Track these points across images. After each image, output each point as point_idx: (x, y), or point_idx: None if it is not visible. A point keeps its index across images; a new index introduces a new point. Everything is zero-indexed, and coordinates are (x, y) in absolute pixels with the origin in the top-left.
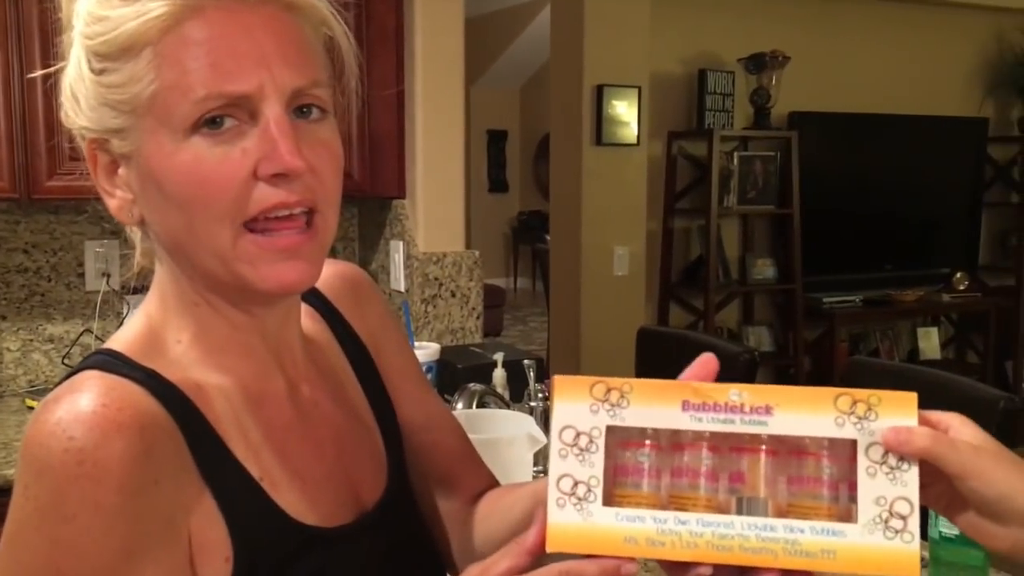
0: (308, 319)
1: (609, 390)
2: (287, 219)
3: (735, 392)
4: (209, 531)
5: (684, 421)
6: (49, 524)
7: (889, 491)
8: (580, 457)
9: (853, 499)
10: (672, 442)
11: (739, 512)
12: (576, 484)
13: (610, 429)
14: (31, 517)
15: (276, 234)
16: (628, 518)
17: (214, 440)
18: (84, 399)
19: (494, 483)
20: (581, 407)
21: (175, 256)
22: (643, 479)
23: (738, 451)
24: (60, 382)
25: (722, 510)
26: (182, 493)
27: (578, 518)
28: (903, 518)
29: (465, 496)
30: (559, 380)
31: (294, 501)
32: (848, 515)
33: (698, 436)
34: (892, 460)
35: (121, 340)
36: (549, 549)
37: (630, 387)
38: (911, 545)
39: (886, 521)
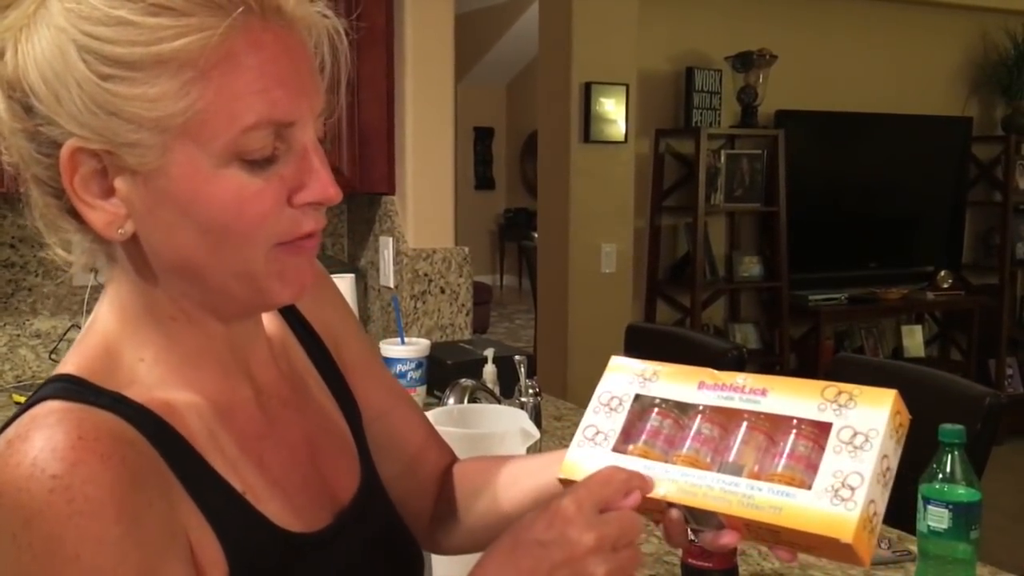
0: (267, 317)
1: (645, 369)
2: (310, 239)
3: (741, 377)
4: (205, 548)
5: (696, 396)
6: (55, 569)
7: (847, 466)
8: (608, 414)
9: (817, 472)
10: (683, 413)
11: (718, 471)
12: (597, 433)
13: (637, 397)
14: (30, 568)
15: (302, 241)
16: (624, 462)
17: (194, 458)
18: (57, 434)
19: (454, 458)
20: (623, 378)
21: (171, 273)
22: (653, 439)
23: (735, 427)
24: (15, 416)
25: (707, 470)
26: (175, 512)
27: (588, 456)
28: (852, 489)
29: (435, 470)
30: (615, 360)
31: (278, 511)
32: (809, 485)
33: (705, 410)
34: (857, 441)
35: (77, 363)
36: (559, 476)
37: (663, 368)
38: (852, 512)
39: (836, 490)
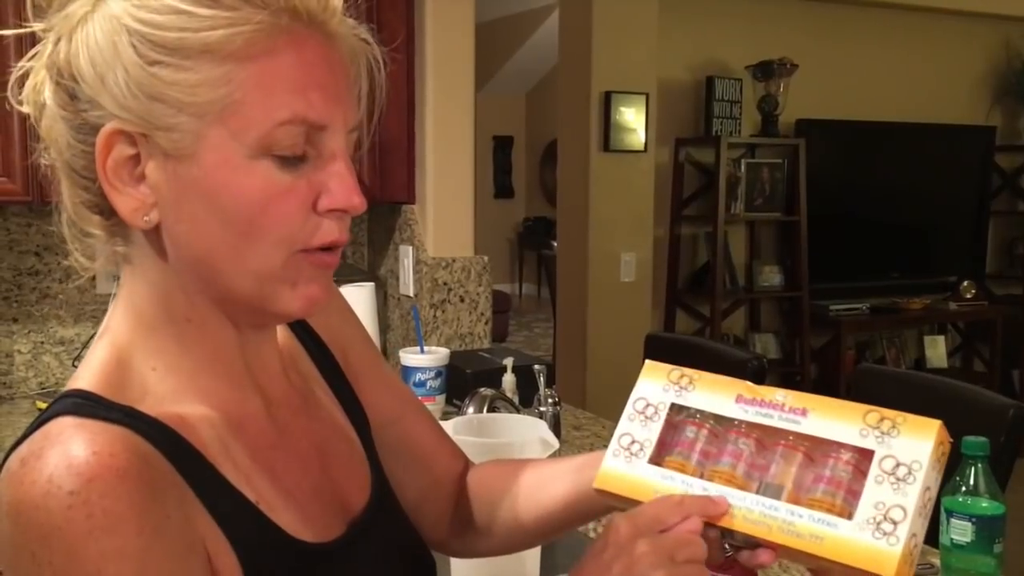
0: (277, 328)
1: (682, 376)
2: (331, 253)
3: (780, 394)
4: (221, 558)
5: (734, 410)
6: None
7: (889, 498)
8: (643, 423)
9: (858, 501)
10: (720, 427)
11: (757, 492)
12: (633, 442)
13: (673, 406)
14: None
15: (322, 254)
16: (662, 476)
17: (207, 469)
18: (72, 450)
19: (468, 462)
20: (656, 385)
21: (190, 268)
22: (689, 451)
23: (773, 445)
24: (28, 433)
25: (744, 489)
26: (192, 523)
27: (625, 467)
28: (894, 523)
29: (450, 474)
30: (649, 363)
31: (291, 521)
32: (850, 514)
33: (742, 425)
34: (900, 473)
35: (89, 377)
36: (595, 486)
37: (699, 376)
38: (895, 548)
39: (878, 523)
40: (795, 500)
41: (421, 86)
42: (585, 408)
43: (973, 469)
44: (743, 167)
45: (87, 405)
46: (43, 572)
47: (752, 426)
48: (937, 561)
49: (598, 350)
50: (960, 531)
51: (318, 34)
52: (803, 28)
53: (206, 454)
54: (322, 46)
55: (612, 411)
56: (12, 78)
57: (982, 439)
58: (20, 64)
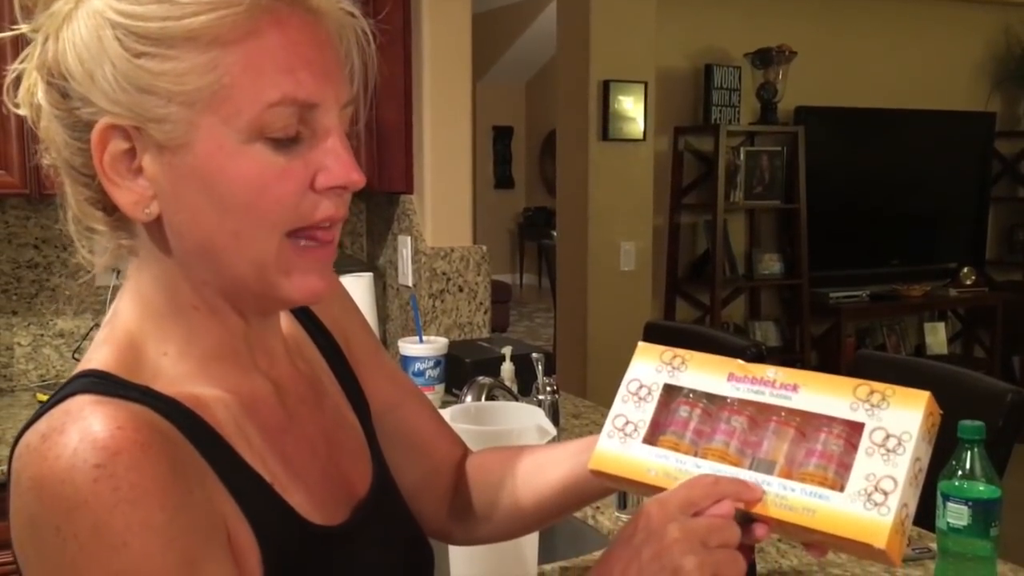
0: (282, 315)
1: (674, 357)
2: (328, 230)
3: (772, 371)
4: (240, 535)
5: (725, 388)
6: (102, 558)
7: (880, 469)
8: (637, 404)
9: (849, 473)
10: (713, 405)
11: (749, 468)
12: (627, 423)
13: (667, 387)
14: (77, 558)
15: (317, 244)
16: (656, 455)
17: (224, 447)
18: (95, 425)
19: (467, 449)
20: (649, 366)
21: (192, 258)
22: (683, 430)
23: (765, 422)
24: (41, 412)
25: (737, 466)
26: (213, 500)
27: (619, 448)
28: (885, 493)
29: (449, 462)
30: (642, 345)
31: (302, 503)
32: (841, 487)
33: (734, 403)
34: (890, 444)
35: (102, 359)
36: (590, 467)
37: (691, 356)
38: (886, 518)
39: (869, 494)
40: (787, 475)
41: (418, 75)
42: (586, 397)
43: (969, 453)
44: (742, 155)
45: (104, 384)
46: (67, 546)
47: (744, 403)
48: (934, 545)
49: (598, 339)
50: (956, 515)
51: (301, 11)
52: (802, 15)
53: (222, 433)
54: (307, 23)
55: (612, 399)
56: (7, 81)
57: (978, 423)
58: (13, 67)
